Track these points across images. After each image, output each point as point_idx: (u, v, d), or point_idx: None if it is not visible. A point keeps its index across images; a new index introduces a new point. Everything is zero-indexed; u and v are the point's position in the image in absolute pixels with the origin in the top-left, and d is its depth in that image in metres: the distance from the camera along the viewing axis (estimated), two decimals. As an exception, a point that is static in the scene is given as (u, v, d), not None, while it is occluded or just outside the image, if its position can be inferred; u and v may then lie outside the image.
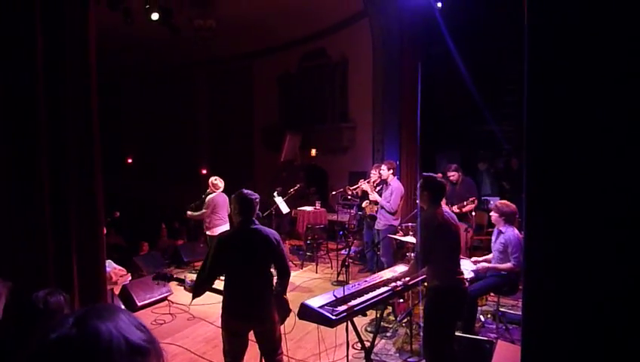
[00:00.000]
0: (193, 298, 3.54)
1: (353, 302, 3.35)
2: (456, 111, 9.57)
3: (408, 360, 4.46)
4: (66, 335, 0.78)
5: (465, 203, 6.16)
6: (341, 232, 8.75)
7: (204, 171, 12.84)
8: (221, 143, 13.46)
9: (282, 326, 3.49)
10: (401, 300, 5.26)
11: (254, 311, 3.28)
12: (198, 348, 4.80)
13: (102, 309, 0.83)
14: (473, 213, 6.26)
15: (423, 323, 3.72)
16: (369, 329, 5.07)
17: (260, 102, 12.88)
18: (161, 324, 5.48)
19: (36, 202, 3.00)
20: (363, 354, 3.83)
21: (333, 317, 3.10)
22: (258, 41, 11.76)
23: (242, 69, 13.03)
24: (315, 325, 4.77)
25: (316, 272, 7.64)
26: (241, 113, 13.15)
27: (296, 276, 7.25)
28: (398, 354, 4.60)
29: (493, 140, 9.03)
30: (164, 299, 6.18)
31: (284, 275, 3.40)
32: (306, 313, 3.21)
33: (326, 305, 3.25)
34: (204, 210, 6.88)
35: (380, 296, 3.57)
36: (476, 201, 6.27)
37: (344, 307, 3.24)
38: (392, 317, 5.41)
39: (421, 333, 4.20)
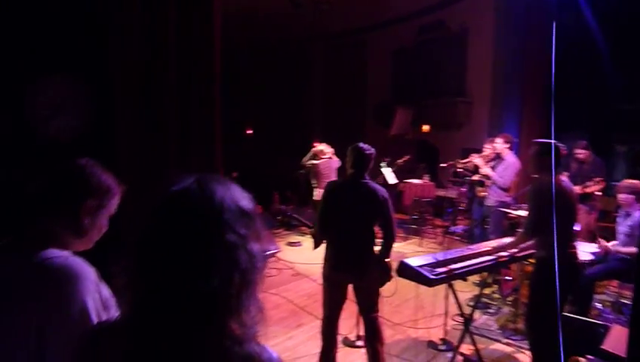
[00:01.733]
0: (316, 246, 3.76)
1: (454, 266, 3.28)
2: (588, 87, 8.70)
3: (511, 337, 4.29)
4: (187, 188, 0.90)
5: (589, 183, 5.64)
6: (450, 209, 8.54)
7: (316, 144, 13.17)
8: (333, 117, 13.67)
9: (381, 290, 3.52)
10: (508, 278, 5.04)
11: (354, 265, 3.34)
12: (300, 301, 5.04)
13: (219, 178, 0.94)
14: (599, 193, 5.71)
15: (528, 297, 3.54)
16: (471, 304, 4.94)
17: (373, 77, 12.82)
18: (268, 277, 5.84)
19: (163, 153, 3.31)
20: (462, 326, 3.75)
21: (432, 277, 3.08)
22: (373, 15, 11.66)
23: (357, 44, 13.04)
24: (414, 294, 4.82)
25: (420, 246, 7.56)
26: (353, 88, 13.21)
27: (399, 247, 7.23)
28: (500, 331, 4.44)
29: (635, 121, 8.07)
30: (273, 255, 6.54)
31: (389, 237, 3.38)
32: (405, 271, 3.22)
33: (426, 265, 3.23)
34: (311, 172, 7.16)
35: (483, 264, 3.45)
36: (603, 183, 5.71)
37: (444, 269, 3.19)
38: (496, 295, 5.22)
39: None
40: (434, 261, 3.29)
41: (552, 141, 3.34)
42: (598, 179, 5.66)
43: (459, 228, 8.10)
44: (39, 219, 1.32)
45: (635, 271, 1.39)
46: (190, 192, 0.90)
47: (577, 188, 5.65)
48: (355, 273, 3.36)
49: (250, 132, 16.13)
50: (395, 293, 4.51)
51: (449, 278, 3.23)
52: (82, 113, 2.91)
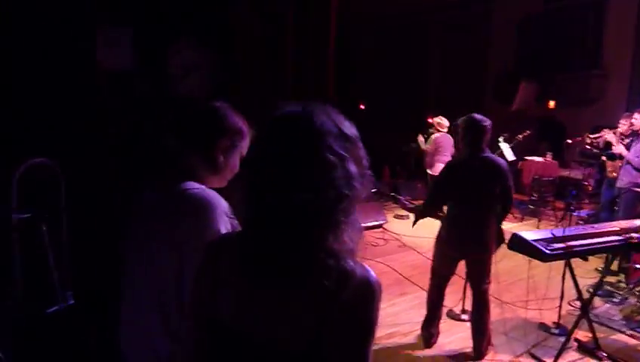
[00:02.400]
0: (416, 222, 3.75)
1: (573, 243, 3.07)
2: None
3: (637, 329, 3.92)
4: (291, 111, 0.99)
5: None
6: (574, 191, 7.88)
7: (430, 120, 12.86)
8: (450, 93, 13.18)
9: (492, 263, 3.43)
10: (638, 266, 4.58)
11: (475, 239, 3.28)
12: (405, 271, 5.06)
13: (324, 106, 1.01)
14: None
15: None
16: (591, 290, 4.59)
17: (495, 50, 12.08)
18: (375, 246, 5.92)
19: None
20: (578, 312, 3.51)
21: (548, 252, 2.92)
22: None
23: (478, 15, 12.34)
24: (527, 274, 4.58)
25: (537, 228, 7.12)
26: (473, 62, 12.58)
27: (514, 228, 6.87)
28: (624, 322, 4.08)
29: None
30: (380, 226, 6.61)
31: (506, 206, 3.32)
32: (518, 244, 3.09)
33: (541, 239, 3.06)
34: (428, 146, 7.03)
35: (608, 244, 3.18)
36: None
37: (561, 245, 3.01)
38: (623, 285, 4.78)
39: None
40: (551, 236, 3.11)
41: None
42: None
43: (583, 211, 7.45)
44: (179, 156, 1.48)
45: None
46: (294, 115, 0.98)
47: None
48: (474, 248, 3.31)
49: (362, 107, 16.18)
50: (505, 272, 4.35)
51: (567, 255, 3.04)
52: (210, 75, 3.16)
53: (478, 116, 3.31)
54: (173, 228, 1.36)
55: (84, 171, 2.46)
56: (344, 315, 0.94)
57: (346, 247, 0.96)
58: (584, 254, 3.22)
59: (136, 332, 1.46)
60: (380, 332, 3.75)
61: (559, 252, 2.96)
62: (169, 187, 1.43)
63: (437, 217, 3.58)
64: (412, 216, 7.31)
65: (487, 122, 3.30)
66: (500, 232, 3.35)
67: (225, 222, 1.37)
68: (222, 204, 1.39)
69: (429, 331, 3.58)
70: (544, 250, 2.92)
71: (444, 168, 3.46)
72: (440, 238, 3.44)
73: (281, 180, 0.94)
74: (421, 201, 7.23)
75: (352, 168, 0.96)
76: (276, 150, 0.95)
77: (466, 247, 3.32)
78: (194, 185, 1.42)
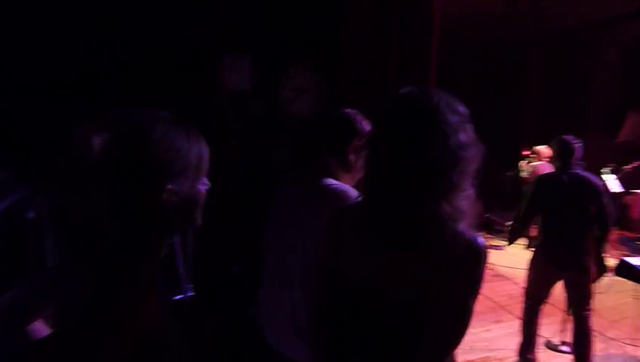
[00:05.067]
0: (510, 242, 3.75)
1: (689, 272, 2.90)
2: None
3: None
4: (410, 91, 1.15)
5: None
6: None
7: (526, 152, 12.40)
8: (549, 124, 12.67)
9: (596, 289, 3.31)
10: None
11: (571, 258, 3.21)
12: (500, 300, 4.94)
13: (439, 89, 1.16)
14: None
15: None
16: None
17: (600, 80, 11.50)
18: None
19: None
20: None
21: (658, 278, 2.78)
22: (602, 11, 10.48)
23: (581, 44, 11.86)
24: (635, 312, 4.30)
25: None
26: (575, 92, 12.05)
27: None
28: None
29: None
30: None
31: (604, 227, 3.19)
32: (625, 269, 2.98)
33: (650, 266, 2.93)
34: (527, 174, 6.87)
35: None
36: None
37: (675, 272, 2.86)
38: None
39: None
40: (662, 263, 2.96)
41: None
42: None
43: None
44: (318, 156, 1.71)
45: None
46: (412, 93, 1.14)
47: None
48: (571, 268, 3.24)
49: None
50: (611, 309, 4.12)
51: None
52: (318, 97, 3.45)
53: (566, 136, 3.37)
54: (318, 215, 1.52)
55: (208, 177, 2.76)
56: (454, 270, 1.07)
57: (458, 211, 1.08)
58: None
59: (280, 308, 1.64)
60: (474, 355, 3.72)
61: (673, 279, 2.81)
62: (312, 182, 1.65)
63: (530, 238, 3.56)
64: (507, 247, 7.14)
65: (577, 142, 3.33)
66: (601, 259, 3.20)
67: None
68: (357, 196, 1.58)
69: (527, 357, 3.50)
70: (655, 276, 2.79)
71: (534, 181, 3.46)
72: (536, 254, 3.40)
73: (401, 149, 1.08)
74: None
75: (464, 138, 1.09)
76: (397, 123, 1.11)
77: (563, 266, 3.24)
78: (333, 181, 1.63)
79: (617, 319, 4.49)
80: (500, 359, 3.72)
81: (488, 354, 3.77)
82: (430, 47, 3.75)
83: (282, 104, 3.38)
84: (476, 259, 1.09)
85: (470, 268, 1.09)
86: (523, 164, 7.52)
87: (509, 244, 3.77)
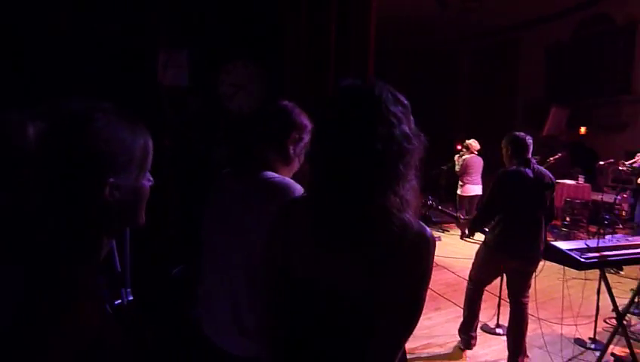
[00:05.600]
0: (471, 233, 3.89)
1: (607, 253, 3.14)
2: None
3: (677, 347, 3.88)
4: (353, 83, 1.15)
5: None
6: (607, 216, 7.81)
7: (459, 147, 12.94)
8: (479, 119, 13.28)
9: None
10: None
11: (526, 250, 3.36)
12: (439, 289, 5.12)
13: (381, 81, 1.16)
14: None
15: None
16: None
17: (525, 77, 12.20)
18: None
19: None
20: (612, 328, 3.53)
21: (582, 260, 2.99)
22: (526, 12, 11.12)
23: (507, 43, 12.53)
24: (562, 293, 4.59)
25: (571, 251, 7.08)
26: (502, 88, 12.71)
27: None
28: (663, 339, 4.05)
29: None
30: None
31: (551, 218, 3.42)
32: (553, 253, 3.17)
33: (576, 249, 3.14)
34: (458, 169, 7.16)
35: (643, 255, 3.23)
36: None
37: (596, 254, 3.08)
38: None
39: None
40: (585, 246, 3.19)
41: None
42: None
43: (618, 236, 7.38)
44: (257, 150, 1.68)
45: None
46: (356, 85, 1.14)
47: None
48: (523, 259, 3.39)
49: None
50: (539, 291, 4.37)
51: (601, 264, 3.10)
52: (257, 94, 3.41)
53: (519, 133, 3.54)
54: (260, 209, 1.53)
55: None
56: (405, 263, 1.07)
57: (405, 202, 1.09)
58: (618, 264, 3.27)
59: (220, 305, 1.61)
60: (416, 343, 3.83)
61: (593, 261, 3.03)
62: (252, 177, 1.62)
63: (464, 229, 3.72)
64: (446, 238, 7.43)
65: (528, 138, 3.51)
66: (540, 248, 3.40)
67: None
68: (300, 189, 1.58)
69: (469, 335, 3.66)
70: (579, 258, 3.00)
71: (496, 177, 3.52)
72: (488, 244, 3.53)
73: (347, 139, 1.07)
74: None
75: (408, 129, 1.10)
76: (342, 114, 1.10)
77: (516, 256, 3.39)
78: (273, 174, 1.61)
79: (546, 300, 4.78)
80: (440, 344, 3.86)
81: (430, 341, 3.90)
82: (368, 46, 3.81)
83: (221, 100, 3.31)
84: (426, 249, 1.10)
85: (420, 260, 1.09)
86: (457, 158, 7.83)
87: (470, 235, 3.92)
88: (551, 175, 3.44)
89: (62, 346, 0.71)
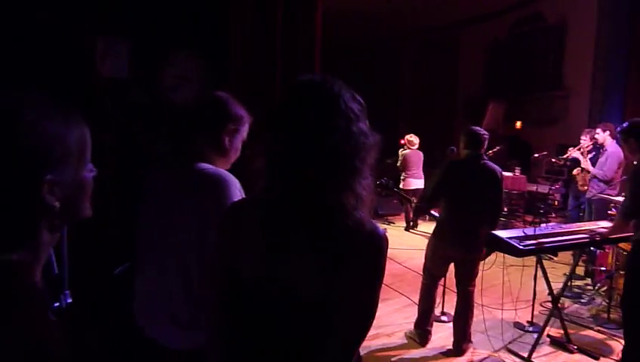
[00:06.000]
0: (415, 217, 3.97)
1: (543, 240, 3.30)
2: None
3: (604, 326, 4.17)
4: (311, 79, 1.15)
5: None
6: (542, 206, 8.25)
7: (402, 142, 13.25)
8: (422, 113, 13.64)
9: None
10: (602, 268, 4.86)
11: (469, 238, 3.47)
12: (386, 279, 5.16)
13: (336, 78, 1.15)
14: None
15: (625, 280, 3.45)
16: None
17: (465, 73, 12.64)
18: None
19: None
20: (548, 311, 3.74)
21: (521, 247, 3.14)
22: (466, 10, 11.52)
23: (448, 40, 12.92)
24: (501, 280, 4.81)
25: (509, 240, 7.41)
26: (444, 84, 13.10)
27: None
28: (592, 319, 4.33)
29: None
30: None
31: (497, 213, 3.54)
32: (494, 242, 3.30)
33: (514, 237, 3.28)
34: (399, 163, 7.31)
35: (575, 241, 3.43)
36: None
37: (533, 241, 3.24)
38: (590, 287, 5.06)
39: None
40: (523, 234, 3.34)
41: None
42: None
43: (551, 225, 7.81)
44: (191, 140, 1.64)
45: None
46: (313, 80, 1.13)
47: None
48: (467, 248, 3.50)
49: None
50: (482, 279, 4.55)
51: (538, 251, 3.27)
52: (202, 86, 3.32)
53: (476, 128, 3.66)
54: (194, 201, 1.52)
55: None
56: (357, 262, 1.06)
57: (359, 199, 1.08)
58: (554, 250, 3.46)
59: (156, 300, 1.59)
60: (365, 333, 3.89)
61: (531, 248, 3.19)
62: (186, 168, 1.59)
63: (432, 216, 3.80)
64: (390, 230, 7.58)
65: (484, 132, 3.61)
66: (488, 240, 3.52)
67: (238, 197, 1.53)
68: (235, 181, 1.57)
69: (425, 328, 3.75)
70: (518, 246, 3.14)
71: (445, 165, 3.65)
72: (435, 235, 3.63)
73: (305, 134, 1.06)
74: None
75: (365, 126, 1.11)
76: (301, 108, 1.09)
77: (460, 246, 3.50)
78: (207, 166, 1.58)
79: (487, 287, 4.98)
80: (388, 334, 3.94)
81: (378, 331, 3.97)
82: (314, 39, 3.81)
83: (165, 93, 3.20)
84: (380, 248, 1.10)
85: (375, 258, 1.09)
86: (401, 152, 8.00)
87: (413, 223, 4.01)
88: (499, 170, 3.56)
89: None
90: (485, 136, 3.57)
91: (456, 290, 3.74)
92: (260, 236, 1.13)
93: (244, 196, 1.55)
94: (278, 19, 3.44)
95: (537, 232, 3.43)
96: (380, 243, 1.10)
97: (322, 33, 3.87)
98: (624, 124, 3.35)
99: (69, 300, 2.58)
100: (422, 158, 7.50)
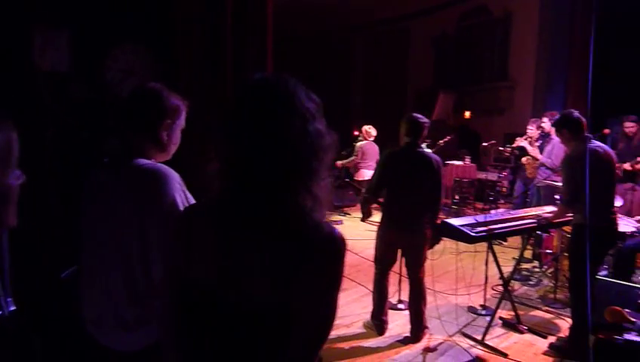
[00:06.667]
0: (363, 208, 4.01)
1: (494, 226, 3.41)
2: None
3: (551, 306, 4.36)
4: (264, 77, 1.11)
5: (639, 159, 5.54)
6: (491, 193, 8.53)
7: (356, 133, 13.36)
8: (373, 105, 13.78)
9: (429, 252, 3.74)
10: (548, 251, 5.09)
11: (410, 224, 3.53)
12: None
13: (291, 77, 1.12)
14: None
15: (569, 261, 3.62)
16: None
17: (415, 65, 12.86)
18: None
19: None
20: (500, 294, 3.87)
21: (473, 234, 3.22)
22: (415, 2, 11.71)
23: (399, 32, 13.10)
24: (455, 266, 4.95)
25: (461, 227, 7.63)
26: (395, 76, 13.29)
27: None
28: (540, 300, 4.53)
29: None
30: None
31: (437, 200, 3.60)
32: (447, 229, 3.38)
33: (467, 225, 3.37)
34: (353, 157, 7.33)
35: (523, 226, 3.57)
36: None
37: (484, 228, 3.33)
38: (537, 270, 5.28)
39: (567, 285, 4.05)
40: (474, 221, 3.43)
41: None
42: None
43: (500, 211, 8.09)
44: (128, 136, 1.58)
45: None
46: (267, 79, 1.10)
47: (627, 166, 5.60)
48: (410, 232, 3.56)
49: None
50: (433, 266, 4.66)
51: (489, 237, 3.37)
52: (148, 80, 3.20)
53: (417, 115, 3.65)
54: (134, 198, 1.48)
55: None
56: (314, 266, 1.03)
57: (316, 201, 1.06)
58: (503, 235, 3.58)
59: (101, 302, 1.54)
60: (324, 325, 3.89)
61: (483, 234, 3.28)
62: (123, 164, 1.54)
63: (379, 204, 3.85)
64: (347, 221, 7.64)
65: (425, 120, 3.64)
66: (436, 228, 3.59)
67: (179, 191, 1.50)
68: (175, 176, 1.53)
69: (381, 319, 3.79)
70: (470, 233, 3.23)
71: (384, 155, 3.69)
72: (381, 223, 3.68)
73: (261, 134, 1.03)
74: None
75: (320, 126, 1.08)
76: (255, 108, 1.05)
77: (403, 231, 3.56)
78: (146, 161, 1.54)
79: (441, 274, 5.12)
80: (347, 325, 3.97)
81: (337, 322, 3.92)
82: (266, 33, 3.75)
83: (109, 88, 3.07)
84: (338, 251, 1.07)
85: (333, 262, 1.07)
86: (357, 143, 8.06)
87: (365, 216, 4.04)
88: (438, 159, 3.62)
89: None
90: (426, 124, 3.61)
91: (408, 277, 3.81)
92: (214, 240, 1.09)
93: (185, 190, 1.53)
94: (229, 12, 3.37)
95: (488, 219, 3.53)
96: (338, 246, 1.07)
97: (274, 25, 3.82)
98: (556, 117, 3.48)
99: (12, 308, 2.44)
100: (377, 150, 7.58)
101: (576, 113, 3.41)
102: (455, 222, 3.40)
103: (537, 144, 6.09)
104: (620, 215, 4.75)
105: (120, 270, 1.49)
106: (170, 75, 3.29)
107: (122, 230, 1.48)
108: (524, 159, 6.30)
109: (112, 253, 1.50)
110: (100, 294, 1.54)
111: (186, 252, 1.14)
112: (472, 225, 3.36)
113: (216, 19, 3.32)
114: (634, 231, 4.33)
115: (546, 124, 5.93)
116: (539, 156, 5.89)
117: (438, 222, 3.56)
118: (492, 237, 3.43)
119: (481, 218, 3.52)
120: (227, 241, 1.08)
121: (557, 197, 5.11)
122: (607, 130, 6.39)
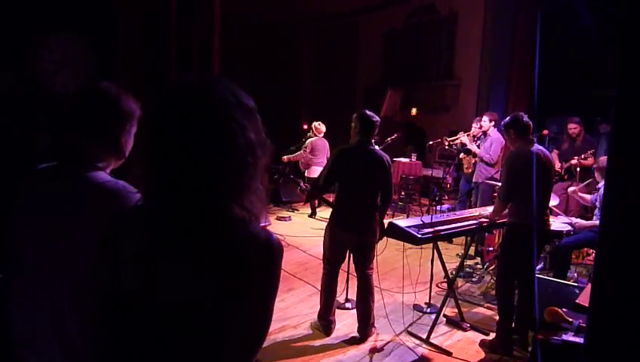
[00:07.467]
0: (307, 201, 3.96)
1: (439, 228, 3.47)
2: (577, 73, 8.87)
3: (492, 302, 4.50)
4: (188, 81, 1.02)
5: (584, 155, 5.83)
6: (435, 189, 8.72)
7: (305, 127, 13.31)
8: (322, 100, 13.77)
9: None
10: (490, 249, 5.26)
11: (361, 223, 3.54)
12: (290, 269, 5.21)
13: (221, 77, 1.05)
14: (577, 170, 5.88)
15: (499, 258, 3.74)
16: (454, 273, 5.15)
17: (364, 61, 12.93)
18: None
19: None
20: (445, 292, 3.96)
21: (419, 236, 3.26)
22: (364, -2, 11.74)
23: (348, 27, 13.11)
24: (400, 264, 5.01)
25: (407, 223, 7.77)
26: (344, 71, 13.30)
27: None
28: (482, 297, 4.67)
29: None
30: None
31: (387, 200, 3.63)
32: (394, 231, 3.40)
33: (413, 226, 3.41)
34: (301, 152, 7.29)
35: (466, 227, 3.65)
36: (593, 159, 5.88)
37: (430, 229, 3.38)
38: (480, 266, 5.45)
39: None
40: (421, 223, 3.47)
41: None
42: (592, 151, 5.89)
43: (444, 206, 8.30)
44: (80, 143, 1.41)
45: (599, 237, 1.48)
46: (192, 85, 1.02)
47: (573, 161, 5.87)
48: (360, 232, 3.56)
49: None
50: (380, 264, 4.70)
51: (435, 238, 3.42)
52: (84, 72, 3.01)
53: (368, 112, 3.64)
54: (94, 221, 1.30)
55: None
56: (250, 276, 1.00)
57: (250, 213, 1.01)
58: (449, 236, 3.65)
59: (42, 328, 1.38)
60: (272, 326, 3.83)
61: (429, 236, 3.33)
62: (73, 178, 1.37)
63: (326, 202, 3.82)
64: (295, 217, 7.60)
65: (376, 118, 3.63)
66: (382, 227, 3.65)
67: None
68: (136, 196, 1.38)
69: (329, 319, 3.76)
70: (416, 234, 3.26)
71: (335, 152, 3.68)
72: (331, 221, 3.65)
73: (184, 150, 0.96)
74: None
75: (253, 136, 1.01)
76: (178, 121, 0.97)
77: (355, 232, 3.56)
78: (104, 177, 1.39)
79: (387, 271, 5.17)
80: (294, 326, 3.93)
81: (284, 323, 3.94)
82: (213, 25, 3.62)
83: (40, 79, 2.85)
84: (273, 259, 1.04)
85: (268, 270, 1.04)
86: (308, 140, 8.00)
87: (306, 201, 4.02)
88: (387, 157, 3.65)
89: None
90: (377, 122, 3.62)
91: (356, 275, 3.82)
92: (143, 253, 1.03)
93: None
94: (173, 2, 3.22)
95: (434, 220, 3.59)
96: (273, 257, 1.04)
97: (224, 13, 3.69)
98: (506, 118, 3.59)
99: None
100: (327, 146, 7.56)
101: (526, 118, 3.52)
102: (402, 223, 3.43)
103: (478, 142, 6.29)
104: (558, 212, 5.00)
105: (68, 295, 1.32)
106: (110, 68, 3.11)
107: (76, 256, 1.32)
108: (461, 155, 6.51)
109: (59, 276, 1.33)
110: (44, 316, 1.36)
111: (114, 265, 1.08)
112: (418, 227, 3.40)
113: (161, 10, 3.17)
114: (569, 230, 4.53)
115: (485, 123, 6.14)
116: (476, 150, 6.10)
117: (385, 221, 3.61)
118: (437, 239, 3.50)
119: (427, 219, 3.56)
120: (152, 250, 1.02)
121: (495, 195, 5.30)
122: (545, 131, 6.70)
